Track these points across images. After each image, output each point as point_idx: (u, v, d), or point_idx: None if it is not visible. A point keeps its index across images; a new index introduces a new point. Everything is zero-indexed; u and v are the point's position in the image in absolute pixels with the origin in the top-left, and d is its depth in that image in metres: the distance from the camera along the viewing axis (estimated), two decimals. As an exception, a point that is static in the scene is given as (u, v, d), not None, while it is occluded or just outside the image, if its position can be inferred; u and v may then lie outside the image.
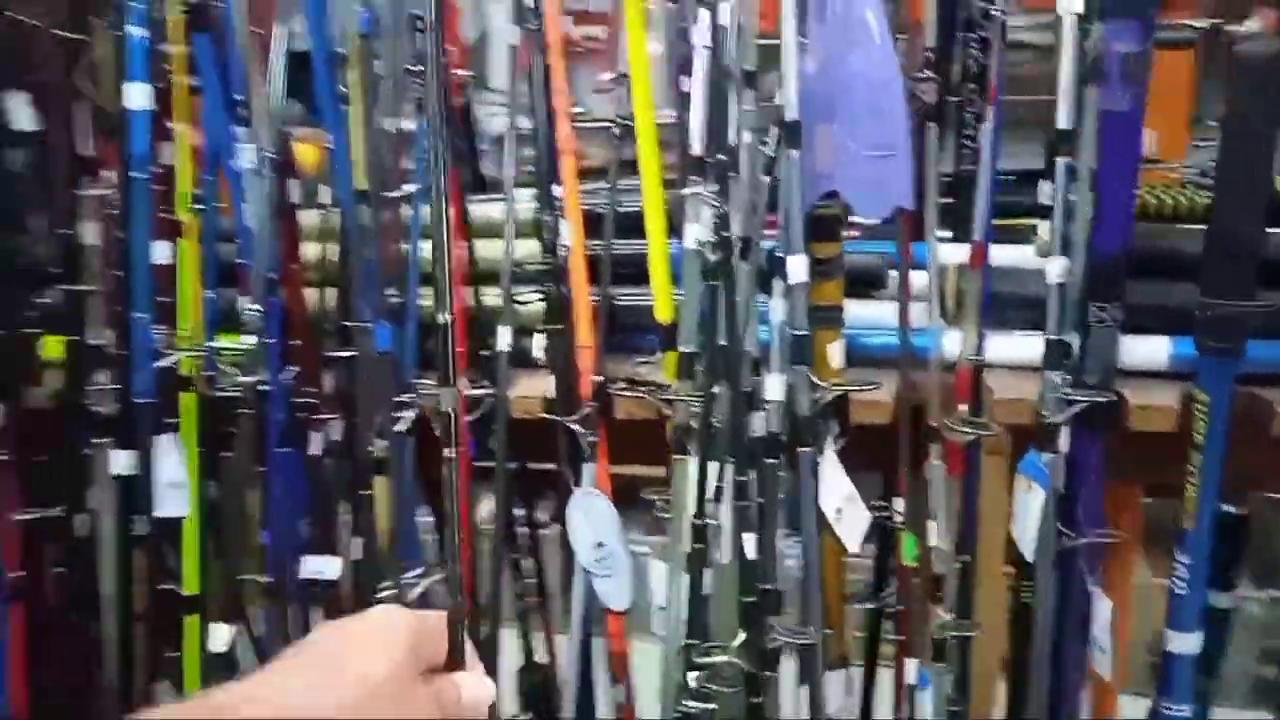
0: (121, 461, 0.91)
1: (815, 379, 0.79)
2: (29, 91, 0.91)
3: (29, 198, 0.93)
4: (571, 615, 0.90)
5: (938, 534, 0.81)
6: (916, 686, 0.84)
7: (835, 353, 0.85)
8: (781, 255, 0.78)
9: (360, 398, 0.87)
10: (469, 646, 0.50)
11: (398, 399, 0.87)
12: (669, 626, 0.82)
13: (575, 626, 0.90)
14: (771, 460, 0.79)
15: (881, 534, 0.88)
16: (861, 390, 0.81)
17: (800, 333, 0.78)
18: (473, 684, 0.49)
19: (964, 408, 0.81)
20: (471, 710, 0.49)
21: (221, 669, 0.88)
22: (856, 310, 0.88)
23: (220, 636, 0.89)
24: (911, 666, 0.85)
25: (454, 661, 0.49)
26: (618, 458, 0.89)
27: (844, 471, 0.82)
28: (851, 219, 0.84)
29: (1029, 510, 0.79)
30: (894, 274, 0.88)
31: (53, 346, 0.93)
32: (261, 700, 0.40)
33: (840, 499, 0.82)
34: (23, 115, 0.91)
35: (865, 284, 0.92)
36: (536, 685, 1.01)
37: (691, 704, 0.80)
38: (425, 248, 0.90)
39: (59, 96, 0.91)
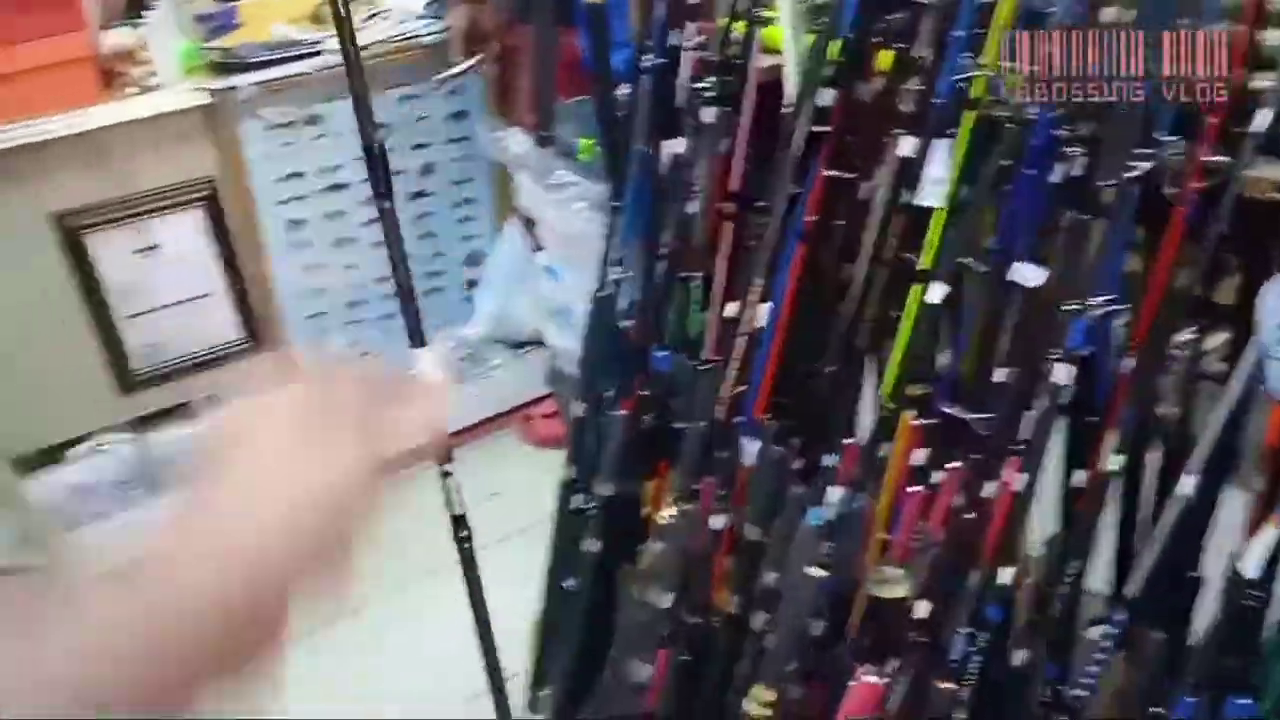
0: (908, 146, 1.18)
1: None
2: None
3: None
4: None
5: None
6: None
7: None
8: None
9: (1106, 140, 1.01)
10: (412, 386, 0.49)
11: (1139, 150, 0.99)
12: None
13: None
14: None
15: None
16: None
17: None
18: (410, 413, 0.48)
19: None
20: (416, 433, 0.48)
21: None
22: None
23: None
24: None
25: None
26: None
27: None
28: None
29: None
30: None
31: (884, 58, 1.20)
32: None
33: None
34: None
35: None
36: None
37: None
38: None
39: None
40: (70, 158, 2.11)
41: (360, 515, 0.46)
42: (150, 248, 2.27)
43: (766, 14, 1.43)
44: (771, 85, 1.45)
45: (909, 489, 1.21)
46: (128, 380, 2.36)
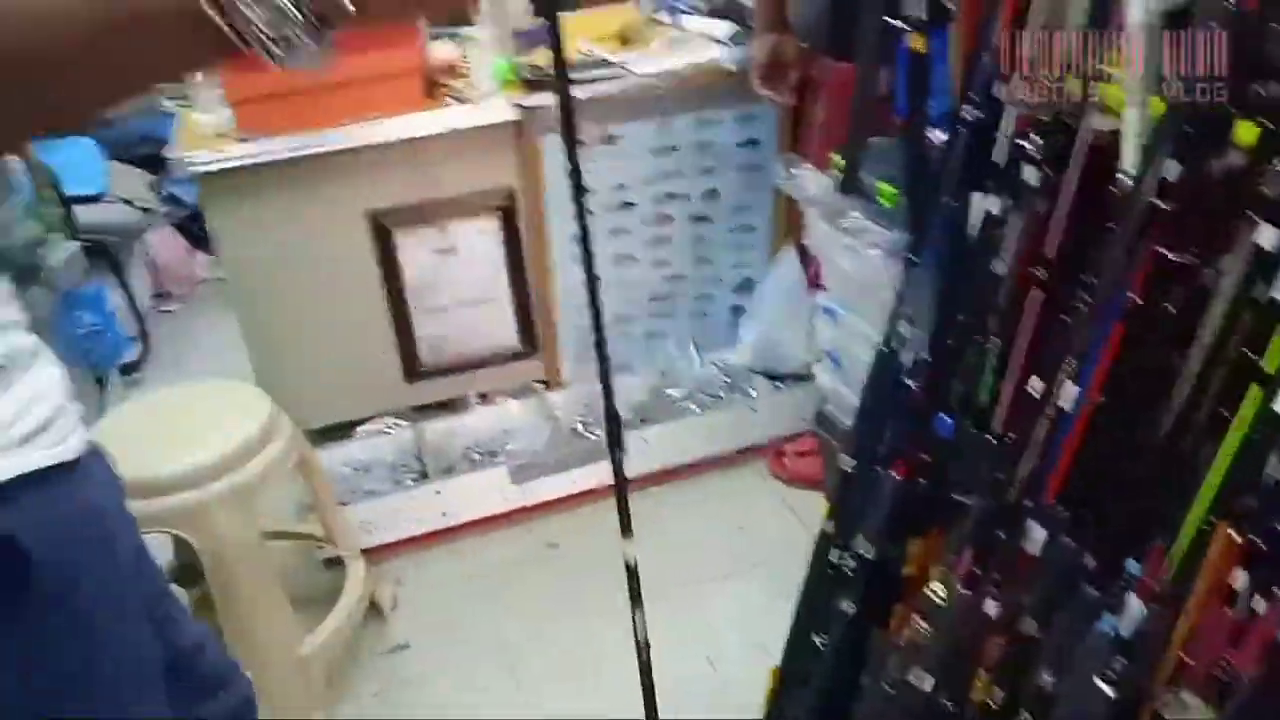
0: (1267, 236, 1.06)
1: None
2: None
3: None
4: None
5: None
6: None
7: None
8: None
9: None
10: None
11: None
12: None
13: None
14: None
15: None
16: None
17: None
18: None
19: None
20: None
21: None
22: None
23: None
24: None
25: None
26: None
27: None
28: None
29: None
30: None
31: (1246, 131, 1.08)
32: None
33: None
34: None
35: None
36: None
37: None
38: None
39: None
40: (389, 161, 2.27)
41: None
42: (449, 249, 2.42)
43: (1108, 71, 1.33)
44: (1103, 148, 1.35)
45: (1221, 611, 1.09)
46: (413, 370, 2.52)
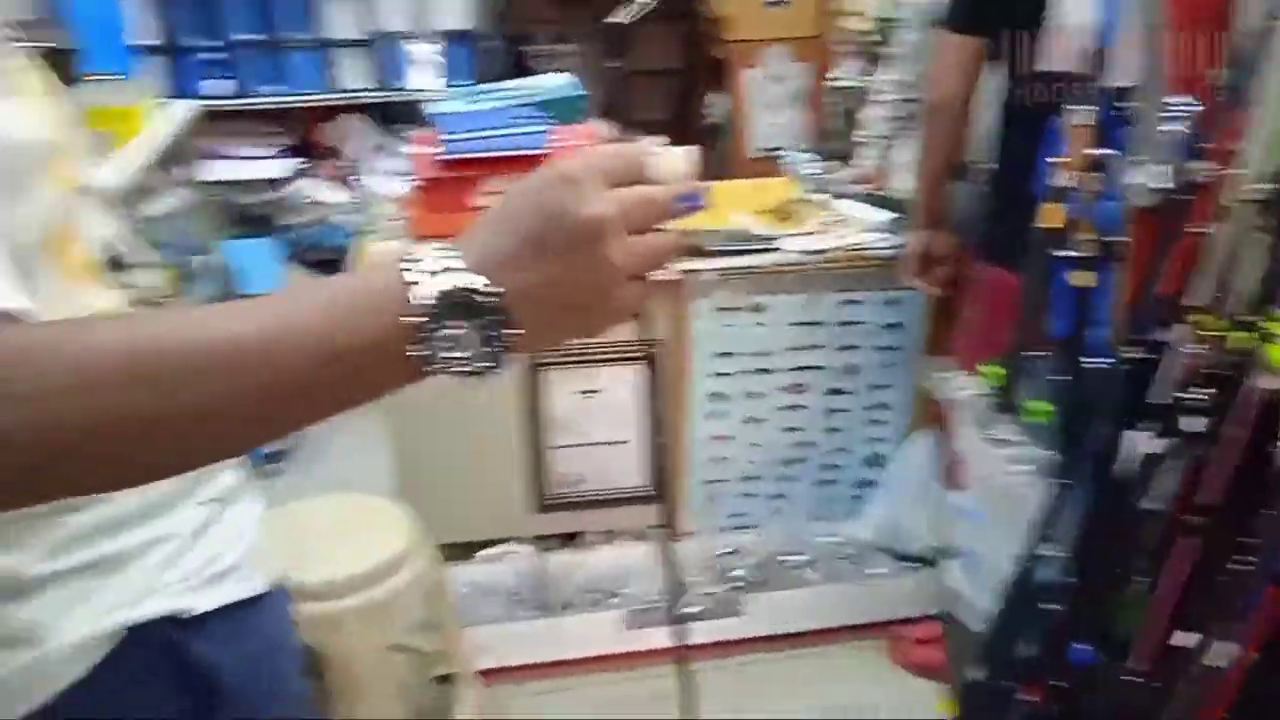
0: None
1: None
2: None
3: None
4: None
5: None
6: None
7: None
8: None
9: None
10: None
11: None
12: None
13: None
14: None
15: None
16: None
17: None
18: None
19: None
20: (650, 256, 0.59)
21: None
22: None
23: None
24: None
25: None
26: None
27: None
28: None
29: None
30: None
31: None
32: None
33: None
34: None
35: None
36: None
37: None
38: None
39: None
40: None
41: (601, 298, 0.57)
42: (593, 391, 2.52)
43: (1274, 329, 1.36)
44: (1268, 406, 1.37)
45: None
46: (541, 501, 2.61)
